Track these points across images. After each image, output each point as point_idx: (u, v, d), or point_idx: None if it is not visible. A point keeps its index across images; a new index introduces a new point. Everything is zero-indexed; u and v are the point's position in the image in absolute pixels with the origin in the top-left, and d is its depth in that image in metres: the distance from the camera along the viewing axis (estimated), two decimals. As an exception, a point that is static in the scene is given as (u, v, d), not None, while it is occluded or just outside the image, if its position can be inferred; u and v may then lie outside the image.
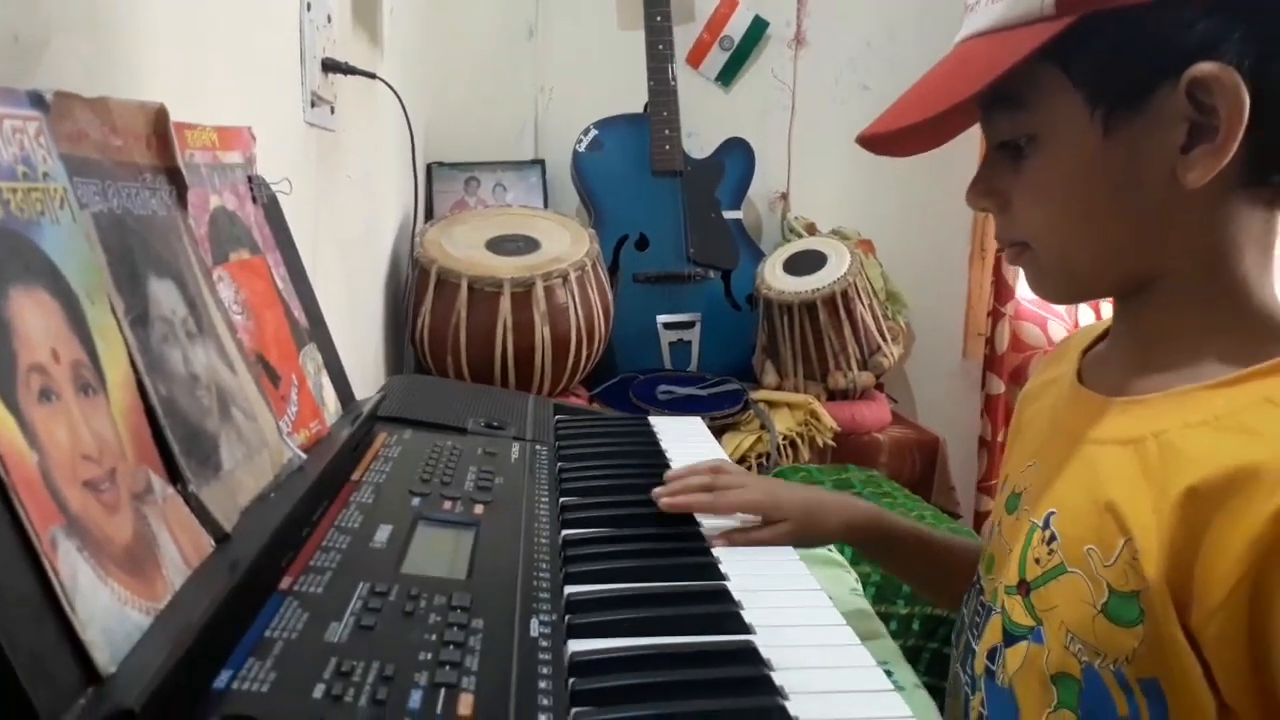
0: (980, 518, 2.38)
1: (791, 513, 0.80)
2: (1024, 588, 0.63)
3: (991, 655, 0.65)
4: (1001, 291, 2.34)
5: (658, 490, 0.80)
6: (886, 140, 0.65)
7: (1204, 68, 0.53)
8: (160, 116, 0.62)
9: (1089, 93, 0.57)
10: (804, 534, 0.80)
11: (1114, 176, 0.58)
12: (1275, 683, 0.49)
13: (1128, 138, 0.57)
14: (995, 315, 2.35)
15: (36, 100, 0.49)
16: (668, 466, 0.94)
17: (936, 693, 0.89)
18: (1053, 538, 0.61)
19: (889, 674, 0.59)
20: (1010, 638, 0.63)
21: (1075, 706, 0.57)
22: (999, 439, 2.38)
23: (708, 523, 0.79)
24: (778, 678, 0.54)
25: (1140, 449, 0.56)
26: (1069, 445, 0.63)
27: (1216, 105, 0.53)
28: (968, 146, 2.50)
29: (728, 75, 2.33)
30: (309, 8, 1.13)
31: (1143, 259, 0.60)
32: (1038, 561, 0.62)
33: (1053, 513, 0.62)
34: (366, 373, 1.47)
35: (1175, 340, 0.60)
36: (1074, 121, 0.58)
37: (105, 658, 0.40)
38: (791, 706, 0.51)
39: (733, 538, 0.77)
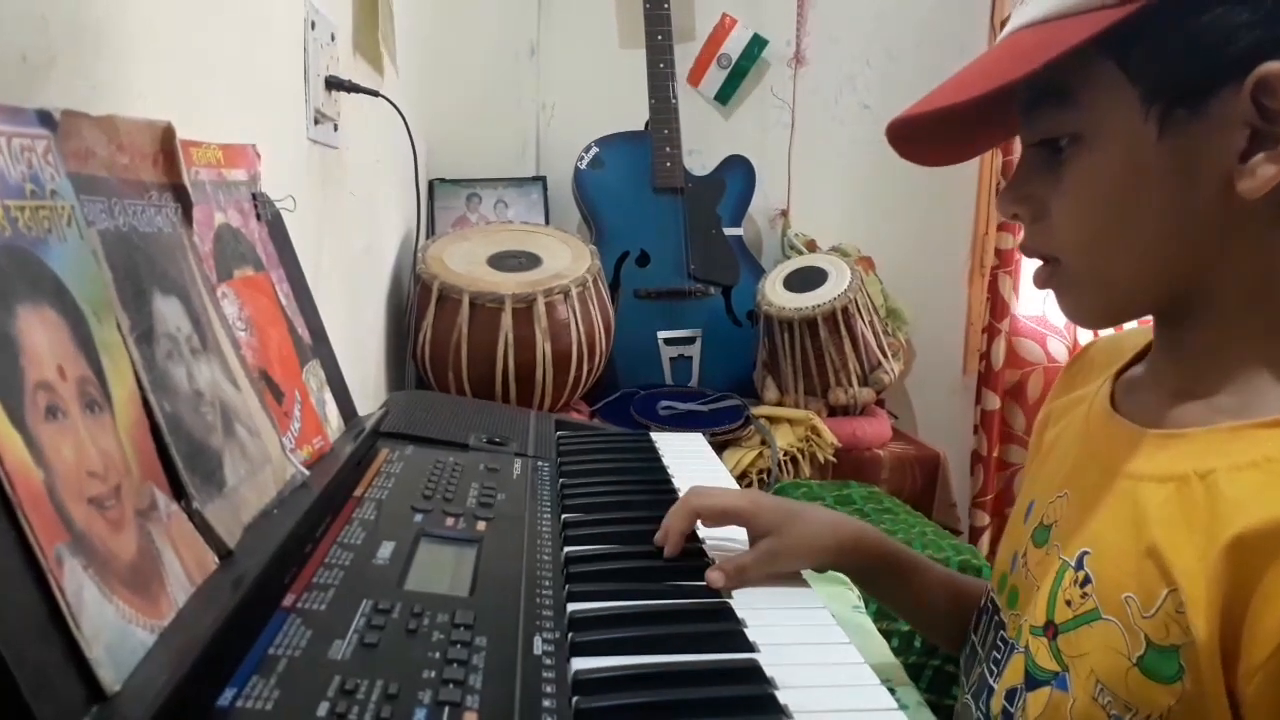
0: (975, 534, 2.38)
1: (772, 521, 0.74)
2: (1051, 630, 0.59)
3: (1010, 696, 0.61)
4: (997, 308, 2.34)
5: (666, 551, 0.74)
6: (918, 141, 0.61)
7: (1273, 67, 0.49)
8: (167, 134, 0.63)
9: (1146, 89, 0.52)
10: (787, 546, 0.74)
11: (1165, 182, 0.53)
12: None
13: (1184, 141, 0.52)
14: (991, 332, 2.35)
15: (45, 119, 0.49)
16: (670, 483, 0.94)
17: (938, 710, 0.88)
18: (1087, 579, 0.57)
19: (892, 692, 0.59)
20: (1033, 681, 0.59)
21: None
22: (994, 454, 2.37)
23: (709, 540, 0.78)
24: (782, 696, 0.54)
25: (1183, 488, 0.52)
26: (1104, 478, 0.58)
27: None
28: (970, 164, 2.51)
29: (726, 93, 2.34)
30: (313, 26, 1.13)
31: (1188, 278, 0.56)
32: (1069, 604, 0.58)
33: (1086, 552, 0.57)
34: (368, 388, 1.47)
35: (1223, 370, 0.56)
36: (1126, 120, 0.53)
37: (110, 676, 0.39)
38: (795, 725, 0.51)
39: (724, 569, 0.71)
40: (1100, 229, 0.56)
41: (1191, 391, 0.57)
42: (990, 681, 0.66)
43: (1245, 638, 0.47)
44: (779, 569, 0.74)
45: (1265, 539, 0.47)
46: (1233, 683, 0.48)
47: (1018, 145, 0.63)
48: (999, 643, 0.66)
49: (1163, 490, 0.54)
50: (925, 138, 0.61)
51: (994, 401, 2.36)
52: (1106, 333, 0.70)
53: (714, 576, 0.70)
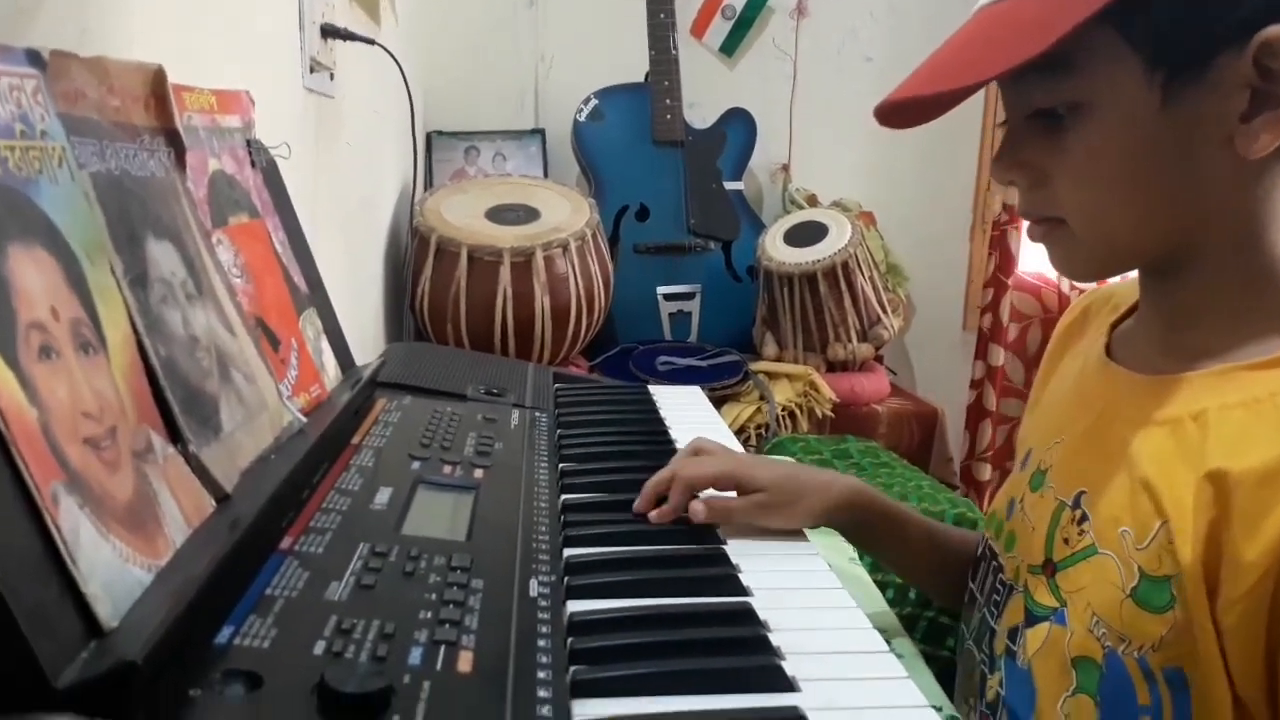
0: (980, 489, 2.39)
1: (765, 484, 0.73)
2: (1049, 568, 0.60)
3: (1012, 635, 0.63)
4: (1005, 263, 2.33)
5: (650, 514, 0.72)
6: (904, 109, 0.61)
7: (1276, 30, 0.49)
8: (158, 77, 0.62)
9: (1149, 55, 0.53)
10: (779, 506, 0.73)
11: (1170, 147, 0.54)
12: None
13: (1187, 105, 0.53)
14: (998, 286, 2.34)
15: (33, 58, 0.48)
16: (667, 435, 0.95)
17: (933, 661, 0.89)
18: (1084, 517, 0.59)
19: (888, 644, 0.59)
20: (1032, 618, 0.61)
21: (1094, 692, 0.55)
22: (998, 409, 2.38)
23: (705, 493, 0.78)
24: (774, 639, 0.55)
25: (1177, 429, 0.54)
26: (1100, 423, 0.60)
27: None
28: (971, 117, 2.50)
29: (731, 45, 2.31)
30: (307, -29, 1.12)
31: (1182, 233, 0.57)
32: (1066, 541, 0.59)
33: (1083, 492, 0.59)
34: (366, 340, 1.47)
35: (1212, 317, 0.57)
36: (1130, 88, 0.53)
37: (107, 612, 0.40)
38: (788, 666, 0.52)
39: (710, 504, 0.71)
40: (1106, 194, 0.57)
41: (1181, 339, 0.59)
42: (991, 623, 0.67)
43: (1224, 570, 0.49)
44: (767, 523, 0.73)
45: (1249, 475, 0.49)
46: (1215, 612, 0.50)
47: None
48: (998, 586, 0.68)
49: (1158, 432, 0.55)
50: (911, 107, 0.61)
51: (999, 356, 2.36)
52: (1089, 286, 0.70)
53: (696, 507, 0.69)
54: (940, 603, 0.87)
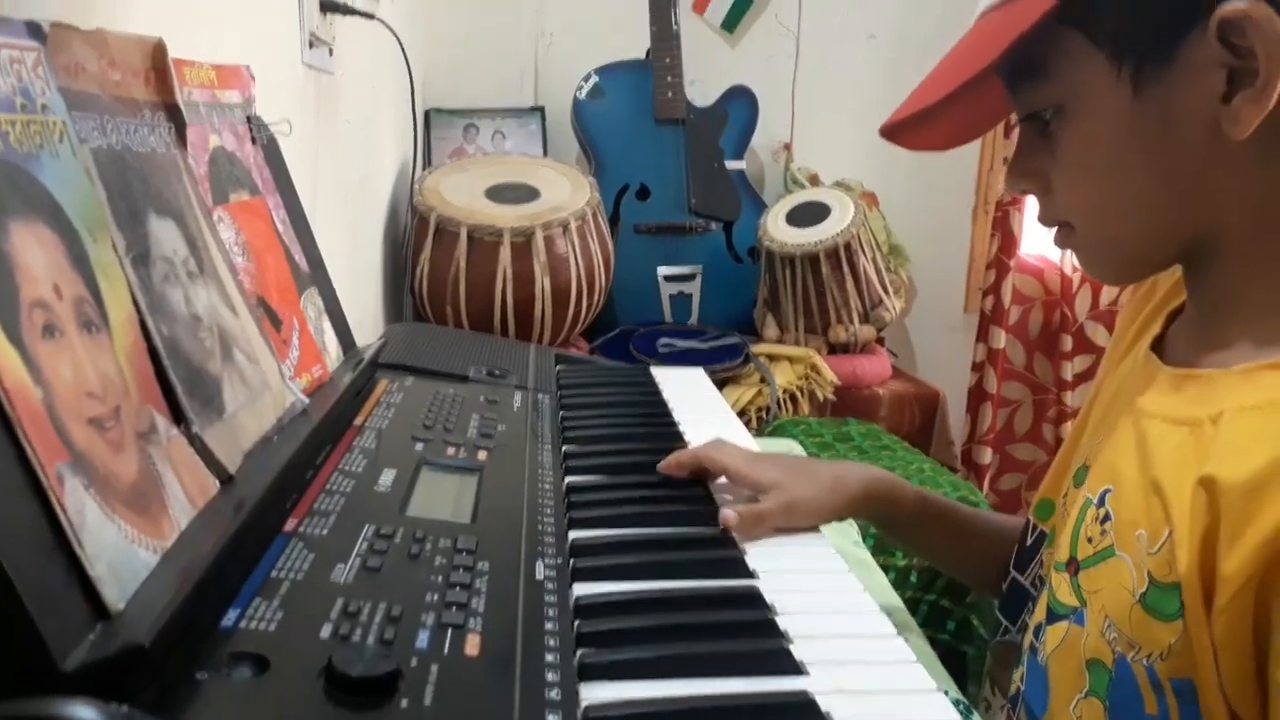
0: (980, 471, 2.39)
1: (778, 480, 0.72)
2: (1073, 566, 0.59)
3: (1037, 631, 0.62)
4: (1007, 244, 2.32)
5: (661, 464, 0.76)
6: (915, 132, 0.61)
7: (1232, 6, 0.48)
8: (158, 51, 0.61)
9: (1111, 51, 0.53)
10: (801, 500, 0.72)
11: (1150, 139, 0.54)
12: (1271, 696, 0.46)
13: (1160, 94, 0.53)
14: (1000, 268, 2.34)
15: (34, 30, 0.47)
16: (670, 416, 0.94)
17: (933, 645, 0.89)
18: (1106, 516, 0.57)
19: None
20: (1053, 615, 0.60)
21: (1104, 696, 0.54)
22: (999, 392, 2.38)
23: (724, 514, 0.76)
24: (781, 621, 0.55)
25: (1196, 431, 0.52)
26: (1129, 417, 0.59)
27: (1252, 45, 0.49)
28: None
29: (732, 21, 2.29)
30: (307, -55, 1.10)
31: (1194, 224, 0.56)
32: (1089, 541, 0.58)
33: (1108, 490, 0.58)
34: (365, 320, 1.46)
35: (1240, 309, 0.56)
36: (1100, 85, 0.54)
37: (114, 594, 0.40)
38: (795, 649, 0.51)
39: (742, 513, 0.69)
40: (1097, 193, 0.57)
41: (1214, 334, 0.57)
42: (1026, 618, 0.67)
43: (1217, 579, 0.48)
44: (795, 524, 0.71)
45: (1233, 482, 0.48)
46: (1210, 624, 0.49)
47: None
48: (1037, 580, 0.67)
49: (1177, 433, 0.54)
50: (927, 129, 0.61)
51: (1001, 339, 2.35)
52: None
53: (729, 515, 0.67)
54: (980, 592, 0.86)
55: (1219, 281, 0.57)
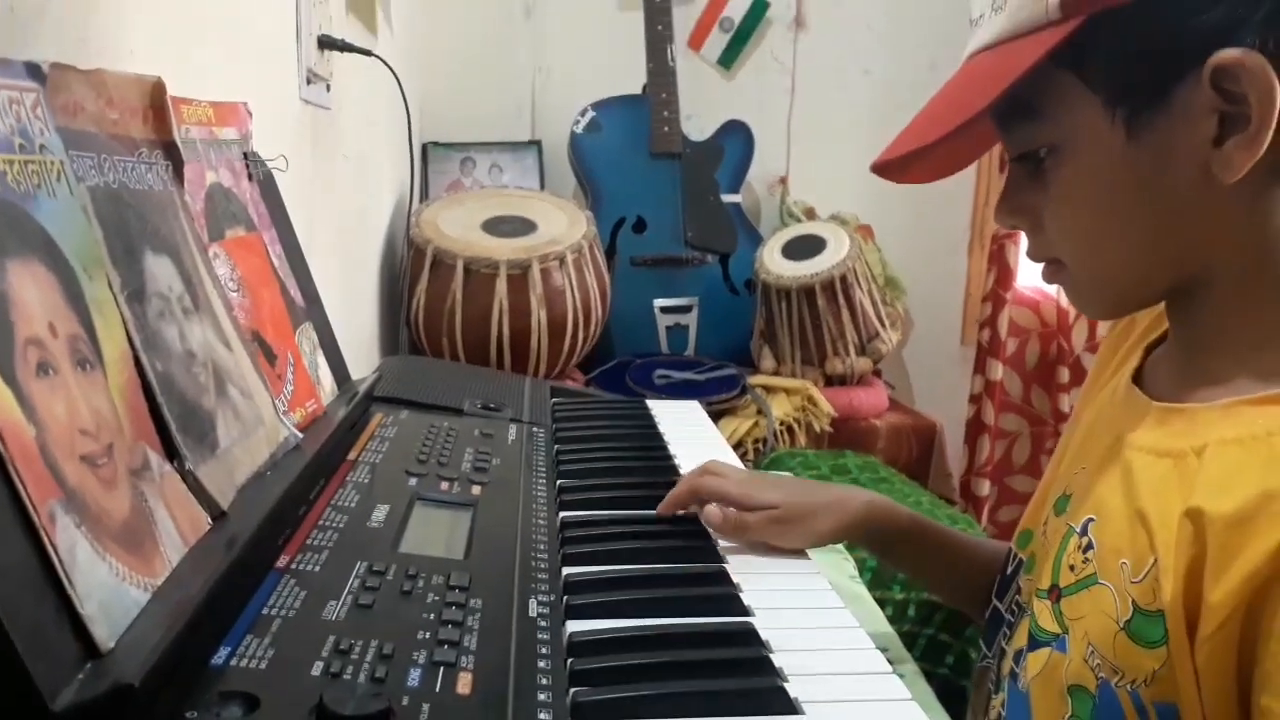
0: (979, 504, 2.38)
1: (778, 502, 0.74)
2: (1055, 593, 0.60)
3: (1017, 657, 0.63)
4: (1003, 277, 2.33)
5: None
6: (903, 167, 0.62)
7: (1226, 54, 0.49)
8: (157, 90, 0.62)
9: (1107, 95, 0.54)
10: (793, 523, 0.74)
11: (1142, 180, 0.55)
12: None
13: (1153, 138, 0.53)
14: (996, 300, 2.34)
15: (33, 71, 0.48)
16: (665, 450, 0.94)
17: (931, 679, 0.89)
18: (1089, 545, 0.58)
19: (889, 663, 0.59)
20: (1035, 642, 0.61)
21: None
22: (997, 424, 2.38)
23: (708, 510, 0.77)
24: (777, 659, 0.54)
25: (1180, 463, 0.53)
26: (1112, 448, 0.60)
27: (1245, 93, 0.49)
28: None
29: (729, 58, 2.31)
30: (306, -16, 1.11)
31: (1185, 263, 0.57)
32: (1072, 568, 0.59)
33: (1091, 519, 0.59)
34: (361, 353, 1.47)
35: (1225, 345, 0.57)
36: (1094, 127, 0.55)
37: (104, 633, 0.39)
38: (791, 688, 0.51)
39: (727, 515, 0.73)
40: (1089, 233, 0.58)
41: (1197, 368, 0.58)
42: (1004, 645, 0.67)
43: (1202, 608, 0.49)
44: (781, 541, 0.73)
45: (1219, 515, 0.48)
46: (1193, 652, 0.50)
47: None
48: (1015, 607, 0.68)
49: (1162, 465, 0.55)
50: (910, 163, 0.62)
51: (998, 370, 2.35)
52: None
53: (712, 511, 0.69)
54: (976, 618, 0.87)
55: (1204, 318, 0.58)
